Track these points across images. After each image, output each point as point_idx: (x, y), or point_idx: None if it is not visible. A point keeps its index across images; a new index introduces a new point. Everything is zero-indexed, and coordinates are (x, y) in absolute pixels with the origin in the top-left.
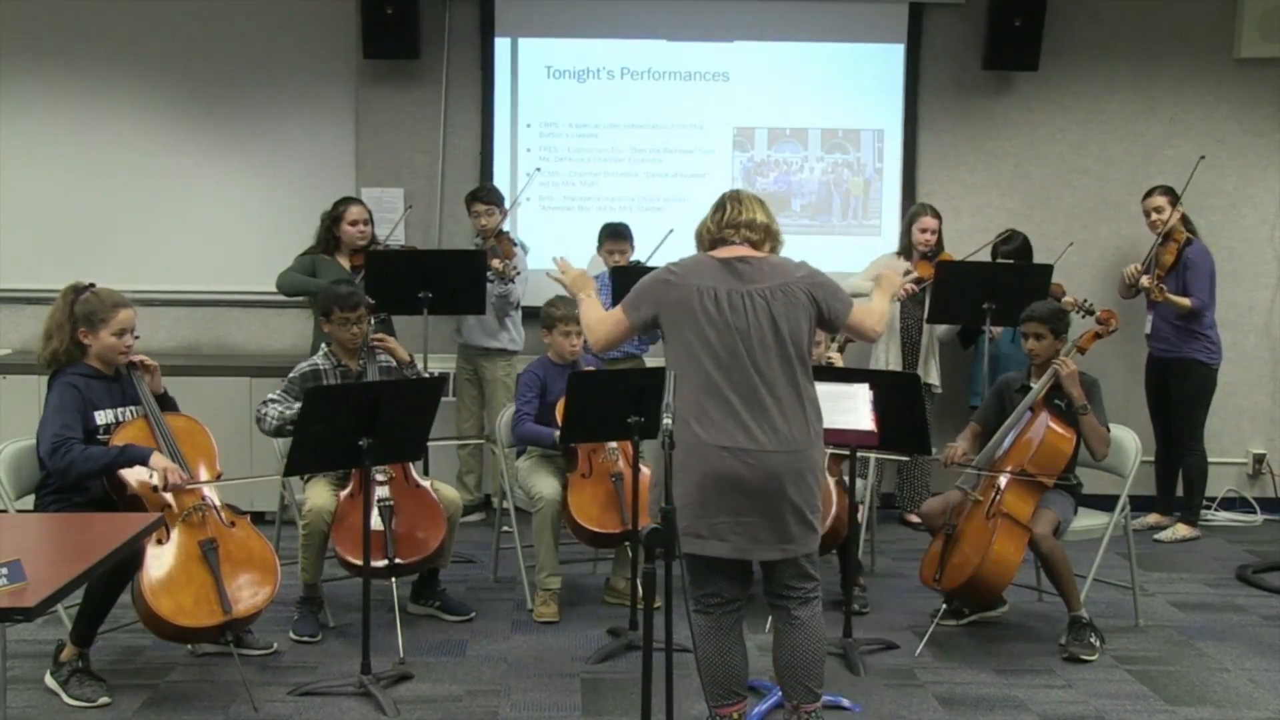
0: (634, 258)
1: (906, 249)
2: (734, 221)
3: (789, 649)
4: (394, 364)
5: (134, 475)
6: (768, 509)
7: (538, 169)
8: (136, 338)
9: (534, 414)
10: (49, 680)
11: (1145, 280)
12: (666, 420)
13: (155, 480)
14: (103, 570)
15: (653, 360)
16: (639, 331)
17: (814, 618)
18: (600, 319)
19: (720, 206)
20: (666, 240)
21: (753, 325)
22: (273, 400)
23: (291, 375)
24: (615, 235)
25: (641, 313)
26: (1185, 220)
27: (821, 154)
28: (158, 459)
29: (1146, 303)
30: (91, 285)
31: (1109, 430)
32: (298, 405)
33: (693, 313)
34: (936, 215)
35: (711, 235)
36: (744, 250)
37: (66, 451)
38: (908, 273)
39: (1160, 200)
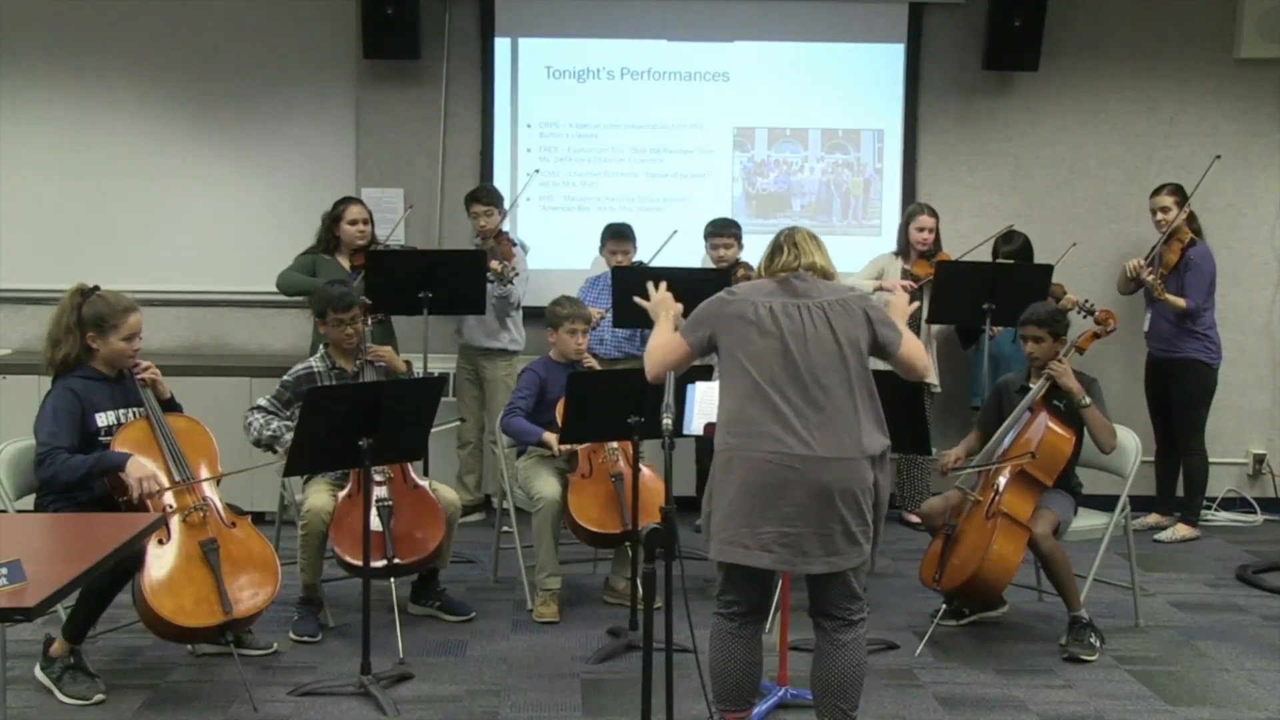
0: (636, 258)
1: (904, 248)
2: (789, 267)
3: (827, 669)
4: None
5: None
6: (815, 518)
7: (536, 170)
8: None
9: (527, 410)
10: (39, 674)
11: (1148, 276)
12: (667, 421)
13: (133, 491)
14: (103, 570)
15: None
16: (697, 354)
17: (856, 640)
18: (659, 344)
19: (777, 249)
20: (670, 241)
21: (809, 334)
22: (260, 408)
23: (285, 378)
24: (618, 236)
25: (698, 333)
26: (1192, 220)
27: (821, 154)
28: (133, 466)
29: (1146, 300)
30: (96, 288)
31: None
32: (277, 422)
33: (745, 322)
34: (934, 214)
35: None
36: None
37: (51, 462)
38: (905, 273)
39: (1167, 200)
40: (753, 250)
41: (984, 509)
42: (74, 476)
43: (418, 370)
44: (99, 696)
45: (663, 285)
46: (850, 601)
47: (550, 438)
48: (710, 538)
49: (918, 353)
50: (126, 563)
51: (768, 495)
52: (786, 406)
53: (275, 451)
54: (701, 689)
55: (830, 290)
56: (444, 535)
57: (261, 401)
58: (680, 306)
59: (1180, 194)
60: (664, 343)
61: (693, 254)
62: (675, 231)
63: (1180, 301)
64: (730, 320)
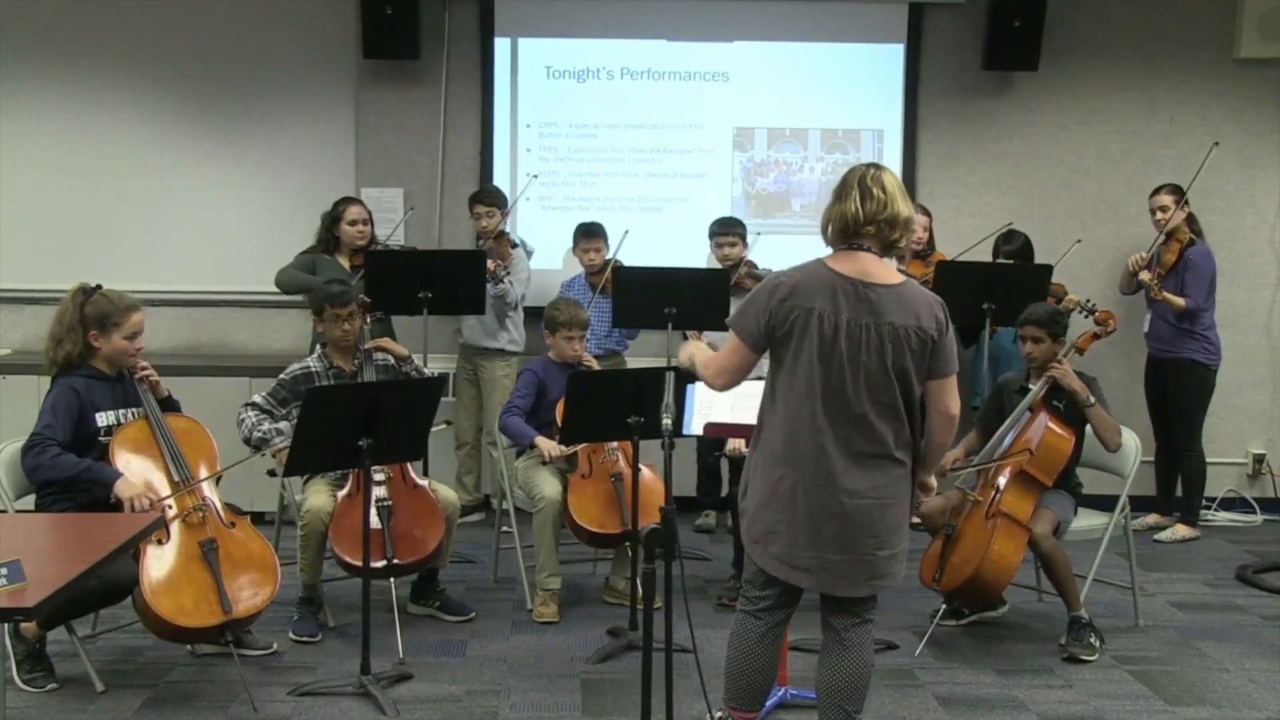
0: (608, 257)
1: None
2: (877, 216)
3: (833, 669)
4: (392, 360)
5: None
6: (855, 549)
7: (534, 175)
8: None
9: (525, 410)
10: (8, 642)
11: (1145, 275)
12: (667, 421)
13: (125, 509)
14: (102, 570)
15: (640, 360)
16: (759, 349)
17: (864, 641)
18: (713, 356)
19: (865, 193)
20: (625, 240)
21: (864, 363)
22: (254, 405)
23: (282, 377)
24: (589, 234)
25: (749, 323)
26: (1191, 220)
27: (821, 154)
28: (123, 486)
29: (1146, 301)
30: (99, 287)
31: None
32: (269, 424)
33: (807, 339)
34: (926, 213)
35: (851, 229)
36: (874, 265)
37: (40, 452)
38: (900, 273)
39: (1166, 199)
40: (756, 250)
41: (984, 509)
42: (59, 475)
43: (416, 364)
44: (52, 685)
45: (685, 349)
46: (862, 602)
47: (544, 445)
48: (755, 542)
49: (954, 396)
50: (121, 580)
51: (809, 524)
52: (834, 435)
53: (262, 453)
54: (701, 689)
55: (903, 309)
56: (443, 535)
57: (256, 399)
58: (702, 344)
59: (1179, 194)
60: (714, 355)
61: (696, 253)
62: (627, 231)
63: (1179, 301)
64: (791, 328)
